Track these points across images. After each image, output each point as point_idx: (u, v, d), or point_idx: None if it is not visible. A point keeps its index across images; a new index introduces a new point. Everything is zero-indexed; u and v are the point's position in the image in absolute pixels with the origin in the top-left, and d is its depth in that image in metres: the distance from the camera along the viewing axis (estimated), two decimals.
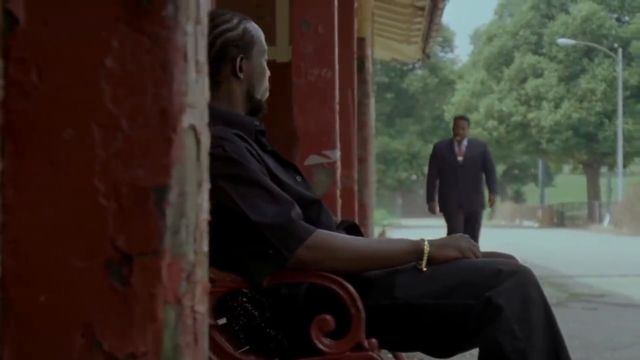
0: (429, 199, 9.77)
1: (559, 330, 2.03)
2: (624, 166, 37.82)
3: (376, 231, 18.06)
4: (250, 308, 2.12)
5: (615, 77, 36.37)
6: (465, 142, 9.63)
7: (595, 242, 21.52)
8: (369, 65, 10.75)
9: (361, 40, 8.74)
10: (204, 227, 1.16)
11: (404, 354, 2.56)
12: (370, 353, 1.98)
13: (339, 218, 4.30)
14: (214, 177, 2.04)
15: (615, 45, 38.15)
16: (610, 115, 37.95)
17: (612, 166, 40.92)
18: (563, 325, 5.89)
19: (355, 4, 6.85)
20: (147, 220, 1.05)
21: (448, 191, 9.56)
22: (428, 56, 17.13)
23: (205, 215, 1.16)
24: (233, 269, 2.06)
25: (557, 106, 38.78)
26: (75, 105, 1.04)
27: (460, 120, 9.86)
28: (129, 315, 1.05)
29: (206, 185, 1.17)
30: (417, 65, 46.84)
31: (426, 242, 2.09)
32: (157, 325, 1.05)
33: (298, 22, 4.18)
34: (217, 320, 2.11)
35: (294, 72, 4.16)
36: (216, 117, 2.16)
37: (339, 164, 4.28)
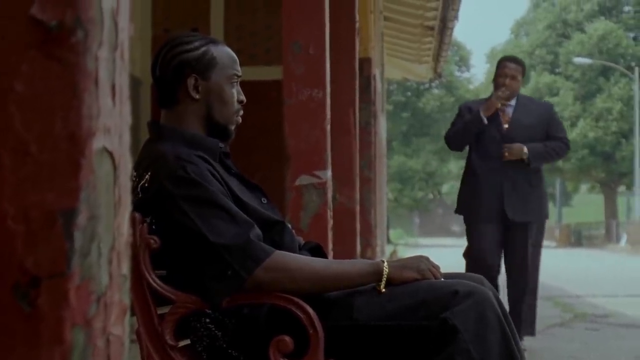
0: (472, 116, 5.60)
1: (516, 351, 2.02)
2: None
3: (388, 250, 18.05)
4: (213, 329, 2.13)
5: (632, 96, 36.23)
6: (512, 101, 5.72)
7: (610, 261, 21.39)
8: (376, 85, 10.78)
9: (366, 61, 8.76)
10: (123, 250, 1.17)
11: None
12: None
13: (330, 238, 4.31)
14: (175, 198, 2.07)
15: (632, 64, 38.02)
16: (626, 134, 37.78)
17: (630, 186, 40.72)
18: (563, 346, 5.82)
19: (358, 25, 6.87)
20: (55, 243, 1.06)
21: (481, 183, 5.58)
22: (440, 75, 17.19)
23: (124, 238, 1.17)
24: (193, 289, 2.07)
25: (573, 125, 38.64)
26: None
27: (507, 63, 5.71)
28: (36, 337, 1.06)
29: (127, 208, 1.18)
30: (433, 84, 46.87)
31: (385, 263, 2.11)
32: (65, 347, 1.06)
33: (289, 43, 4.20)
34: (180, 342, 2.11)
35: (285, 92, 4.18)
36: (180, 138, 2.19)
37: (330, 183, 4.28)
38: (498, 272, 5.58)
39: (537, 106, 5.84)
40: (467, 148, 5.82)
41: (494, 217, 5.51)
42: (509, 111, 5.68)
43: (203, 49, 2.24)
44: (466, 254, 5.63)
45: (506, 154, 5.48)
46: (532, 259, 5.67)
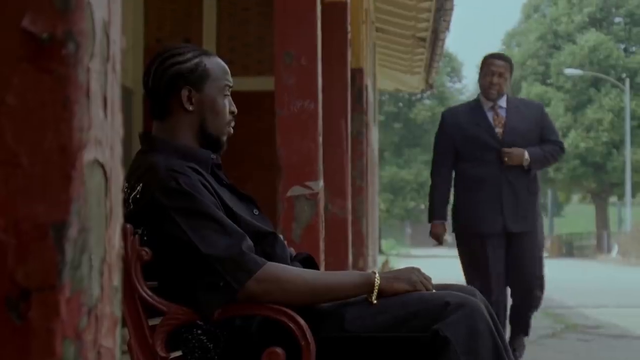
0: (434, 213, 5.37)
1: None
2: (633, 196, 37.74)
3: (379, 261, 18.05)
4: (205, 340, 2.13)
5: (623, 107, 36.38)
6: (503, 103, 5.31)
7: (601, 272, 21.43)
8: (368, 96, 10.80)
9: (358, 71, 8.79)
10: (115, 262, 1.17)
11: None
12: None
13: (322, 249, 4.31)
14: (166, 210, 2.06)
15: (623, 75, 38.20)
16: (617, 145, 37.93)
17: (621, 196, 40.85)
18: (554, 357, 5.81)
19: (350, 36, 6.88)
20: (46, 256, 1.06)
21: (479, 193, 5.20)
22: (431, 86, 17.24)
23: (116, 250, 1.17)
24: (185, 301, 2.07)
25: (564, 136, 38.75)
26: None
27: (493, 60, 5.33)
28: (26, 350, 1.05)
29: (118, 220, 1.18)
30: (425, 94, 46.97)
31: (377, 275, 2.11)
32: None
33: (281, 54, 4.20)
34: (171, 354, 2.11)
35: (277, 103, 4.18)
36: (172, 150, 2.19)
37: (322, 195, 4.28)
38: (506, 293, 5.28)
39: (530, 109, 5.43)
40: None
41: (496, 229, 5.15)
42: (502, 113, 5.27)
43: (196, 60, 2.24)
44: (471, 279, 5.16)
45: (505, 159, 5.13)
46: (537, 269, 5.30)
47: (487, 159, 5.17)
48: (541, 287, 5.33)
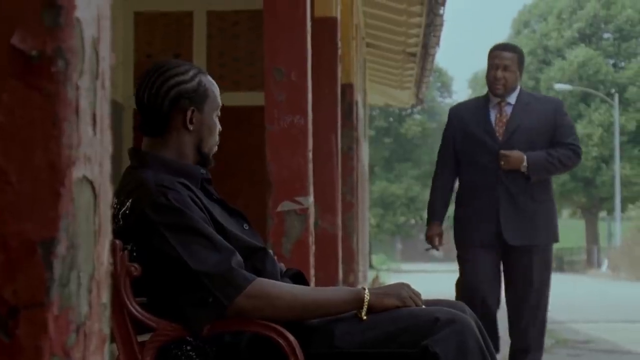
0: (431, 215, 4.89)
1: None
2: (622, 211, 37.85)
3: (370, 276, 18.04)
4: (194, 357, 2.13)
5: (612, 122, 36.54)
6: (512, 99, 4.74)
7: (592, 287, 21.46)
8: (358, 111, 10.82)
9: (348, 87, 8.80)
10: (103, 278, 1.17)
11: None
12: None
13: (312, 264, 4.30)
14: (156, 225, 2.06)
15: (612, 90, 38.38)
16: (607, 160, 38.07)
17: (611, 211, 40.98)
18: None
19: (340, 51, 6.90)
20: (34, 273, 1.06)
21: (475, 201, 4.71)
22: (421, 101, 17.28)
23: (105, 267, 1.17)
24: (174, 317, 2.07)
25: None
26: None
27: (498, 52, 4.76)
28: None
29: (107, 237, 1.18)
30: (415, 109, 47.08)
31: (366, 291, 2.11)
32: None
33: (271, 69, 4.21)
34: None
35: (267, 118, 4.18)
36: (161, 165, 2.19)
37: (312, 210, 4.28)
38: (497, 306, 4.75)
39: (543, 104, 4.77)
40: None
41: (491, 241, 4.59)
42: (508, 111, 4.69)
43: (197, 79, 2.25)
44: (458, 285, 4.77)
45: (502, 162, 4.57)
46: (540, 289, 4.71)
47: (483, 163, 4.66)
48: (540, 313, 4.81)
